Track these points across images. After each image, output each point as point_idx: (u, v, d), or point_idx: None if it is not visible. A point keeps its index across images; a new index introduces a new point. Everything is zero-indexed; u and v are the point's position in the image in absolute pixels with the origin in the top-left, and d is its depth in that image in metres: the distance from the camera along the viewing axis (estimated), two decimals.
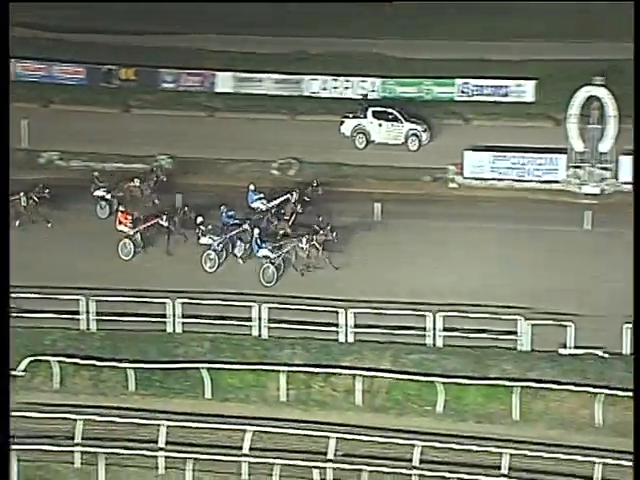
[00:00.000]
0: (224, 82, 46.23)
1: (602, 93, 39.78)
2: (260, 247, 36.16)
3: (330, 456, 31.77)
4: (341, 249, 36.30)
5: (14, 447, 31.68)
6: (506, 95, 44.17)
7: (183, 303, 34.62)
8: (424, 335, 33.70)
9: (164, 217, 37.21)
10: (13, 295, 32.84)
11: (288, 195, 38.24)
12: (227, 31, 47.44)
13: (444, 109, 43.73)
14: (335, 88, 45.44)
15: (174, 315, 34.65)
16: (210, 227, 36.73)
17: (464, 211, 38.97)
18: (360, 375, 33.06)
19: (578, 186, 40.43)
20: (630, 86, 40.56)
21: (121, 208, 37.95)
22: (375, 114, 42.84)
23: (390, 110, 42.82)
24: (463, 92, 44.54)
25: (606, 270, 35.27)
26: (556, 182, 40.56)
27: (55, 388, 34.19)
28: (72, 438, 32.57)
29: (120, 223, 37.56)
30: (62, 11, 48.29)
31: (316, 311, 34.05)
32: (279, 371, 33.36)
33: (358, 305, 34.26)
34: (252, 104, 44.82)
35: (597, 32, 44.64)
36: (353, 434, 31.93)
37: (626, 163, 40.02)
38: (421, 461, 31.41)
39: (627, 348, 32.89)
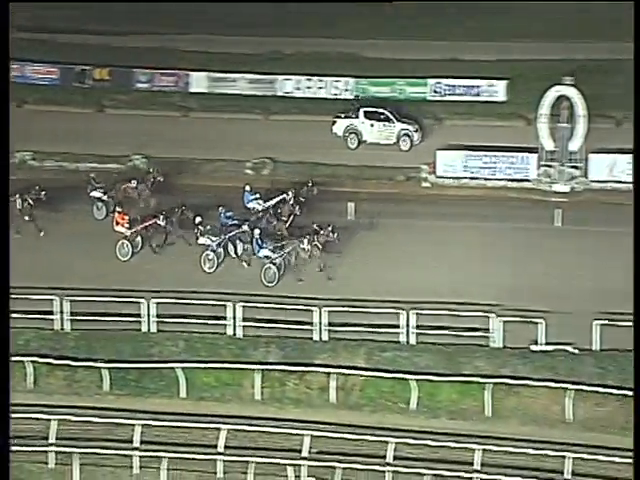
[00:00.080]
0: (198, 82, 46.27)
1: (572, 93, 40.11)
2: (261, 247, 36.03)
3: (305, 454, 31.88)
4: (340, 250, 36.20)
5: None
6: (478, 95, 44.37)
7: (158, 303, 34.71)
8: (398, 333, 33.90)
9: (161, 217, 37.23)
10: None
11: (284, 195, 38.22)
12: (201, 31, 47.53)
13: (416, 109, 43.93)
14: (309, 88, 45.48)
15: (149, 315, 34.66)
16: (209, 227, 36.70)
17: (437, 210, 39.22)
18: (334, 373, 33.20)
19: (549, 184, 40.76)
20: (598, 86, 41.12)
21: (118, 209, 37.93)
22: (367, 114, 42.81)
23: (382, 110, 42.82)
24: (436, 92, 44.71)
25: (576, 267, 35.59)
26: (527, 180, 40.86)
27: (29, 388, 34.21)
28: (46, 438, 32.55)
29: (117, 224, 37.54)
30: (34, 11, 48.18)
31: (290, 309, 34.16)
32: (254, 370, 33.43)
33: (332, 303, 34.37)
34: (226, 104, 44.85)
35: (567, 32, 45.01)
36: (327, 431, 32.05)
37: (595, 161, 40.46)
38: (395, 458, 31.60)
39: (597, 344, 33.23)
